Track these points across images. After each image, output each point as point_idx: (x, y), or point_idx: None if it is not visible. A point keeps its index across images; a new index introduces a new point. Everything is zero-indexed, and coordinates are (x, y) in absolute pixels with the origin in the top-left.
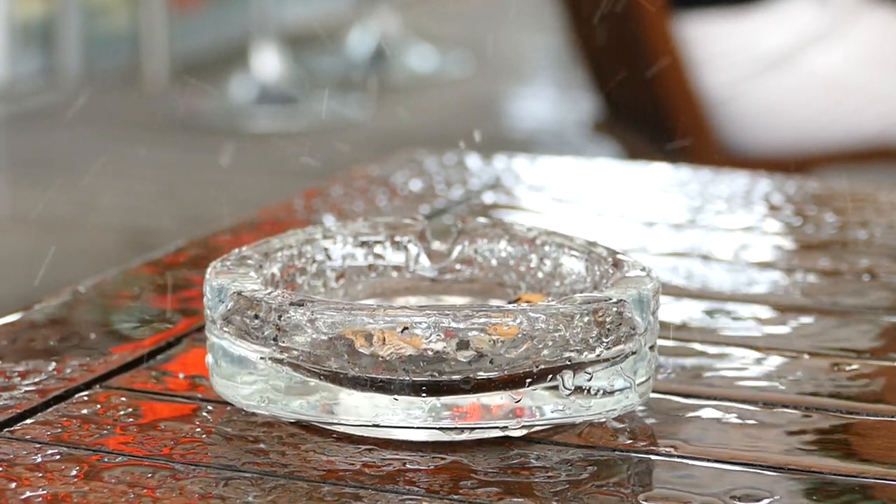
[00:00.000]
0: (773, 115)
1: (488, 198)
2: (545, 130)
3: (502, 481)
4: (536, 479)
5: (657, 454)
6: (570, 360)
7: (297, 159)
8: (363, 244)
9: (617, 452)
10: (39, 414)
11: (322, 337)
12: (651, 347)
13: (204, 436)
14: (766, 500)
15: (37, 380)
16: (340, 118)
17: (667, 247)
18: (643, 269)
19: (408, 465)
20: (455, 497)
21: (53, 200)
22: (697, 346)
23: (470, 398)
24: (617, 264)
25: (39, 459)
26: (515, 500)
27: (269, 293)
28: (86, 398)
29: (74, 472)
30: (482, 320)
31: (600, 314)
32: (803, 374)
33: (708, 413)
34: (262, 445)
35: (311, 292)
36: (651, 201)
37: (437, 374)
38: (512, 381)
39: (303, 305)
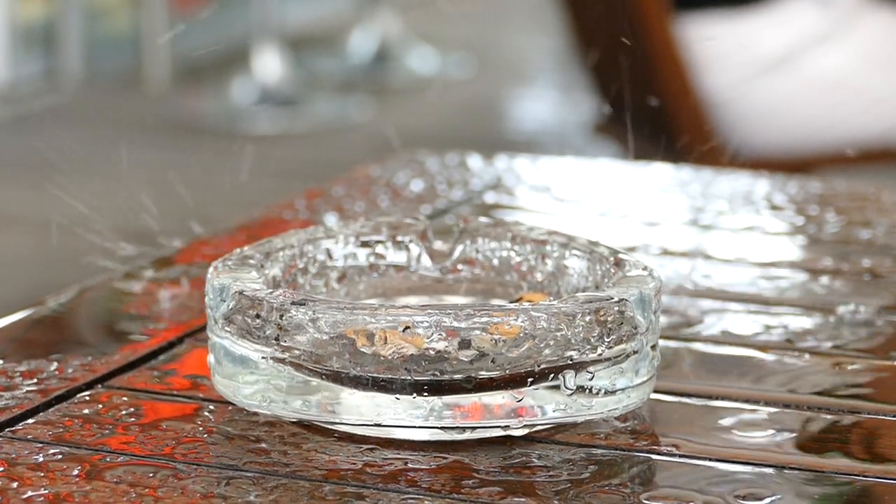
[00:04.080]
0: (775, 117)
1: (490, 198)
2: (546, 132)
3: (504, 480)
4: (538, 479)
5: (659, 453)
6: (571, 360)
7: (298, 161)
8: (365, 244)
9: (619, 451)
10: (41, 414)
11: (324, 336)
12: (653, 346)
13: (206, 435)
14: (769, 499)
15: (38, 379)
16: (342, 120)
17: (668, 246)
18: (645, 269)
19: (409, 465)
20: (457, 496)
21: (54, 202)
22: (699, 346)
23: (471, 397)
24: (618, 264)
25: (41, 459)
26: (517, 499)
27: (271, 293)
28: (87, 398)
29: (76, 472)
30: (484, 319)
31: (602, 313)
32: (805, 373)
33: (710, 412)
34: (263, 445)
35: (313, 292)
36: (653, 201)
37: (438, 374)
38: (513, 381)
39: (304, 305)
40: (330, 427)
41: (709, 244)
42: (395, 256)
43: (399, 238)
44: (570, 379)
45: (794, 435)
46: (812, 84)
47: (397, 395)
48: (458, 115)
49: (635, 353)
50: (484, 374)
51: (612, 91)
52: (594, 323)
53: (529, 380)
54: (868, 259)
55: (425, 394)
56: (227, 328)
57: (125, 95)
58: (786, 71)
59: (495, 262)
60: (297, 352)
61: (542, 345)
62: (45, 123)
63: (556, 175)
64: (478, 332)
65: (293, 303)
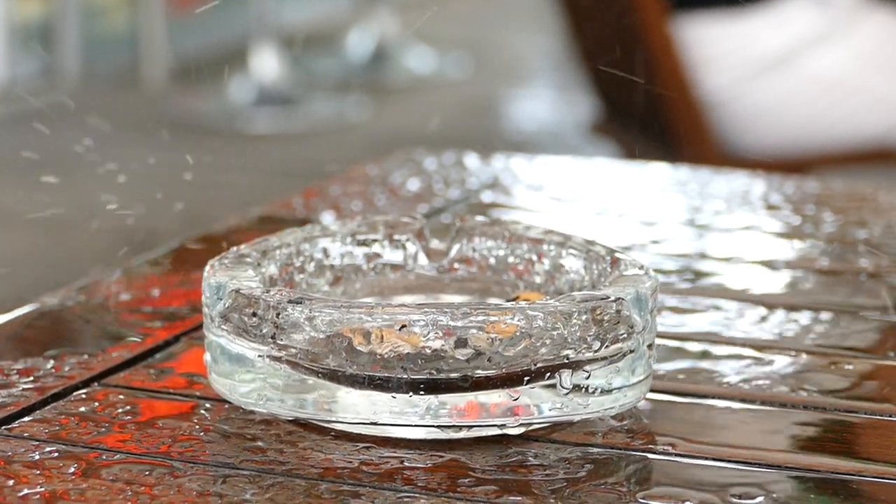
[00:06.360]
0: (773, 117)
1: (487, 197)
2: (544, 132)
3: (500, 479)
4: (534, 478)
5: (655, 452)
6: (568, 359)
7: (295, 160)
8: (362, 243)
9: (615, 450)
10: (38, 411)
11: (320, 335)
12: (649, 346)
13: (202, 433)
14: (764, 498)
15: (35, 377)
16: (339, 119)
17: (665, 246)
18: (641, 268)
19: (406, 463)
20: (453, 495)
21: (52, 201)
22: (695, 345)
23: (468, 396)
24: (615, 263)
25: (37, 457)
26: (513, 498)
27: (268, 291)
28: (84, 396)
29: (72, 470)
30: (480, 318)
31: (598, 312)
32: (801, 372)
33: (706, 411)
34: (259, 443)
35: (310, 290)
36: (650, 201)
37: (435, 372)
38: (510, 380)
39: (301, 303)
40: (326, 425)
41: (705, 244)
42: (391, 255)
43: (396, 237)
44: (567, 378)
45: (790, 434)
46: (810, 84)
47: (394, 394)
48: (455, 115)
49: (631, 352)
50: (480, 372)
51: (609, 91)
52: (591, 322)
53: (526, 378)
54: (865, 259)
55: (421, 392)
56: (223, 326)
57: (123, 94)
58: (784, 71)
59: (492, 261)
60: (293, 350)
61: (538, 344)
62: (42, 122)
63: (552, 174)
64: (474, 330)
65: (290, 301)
